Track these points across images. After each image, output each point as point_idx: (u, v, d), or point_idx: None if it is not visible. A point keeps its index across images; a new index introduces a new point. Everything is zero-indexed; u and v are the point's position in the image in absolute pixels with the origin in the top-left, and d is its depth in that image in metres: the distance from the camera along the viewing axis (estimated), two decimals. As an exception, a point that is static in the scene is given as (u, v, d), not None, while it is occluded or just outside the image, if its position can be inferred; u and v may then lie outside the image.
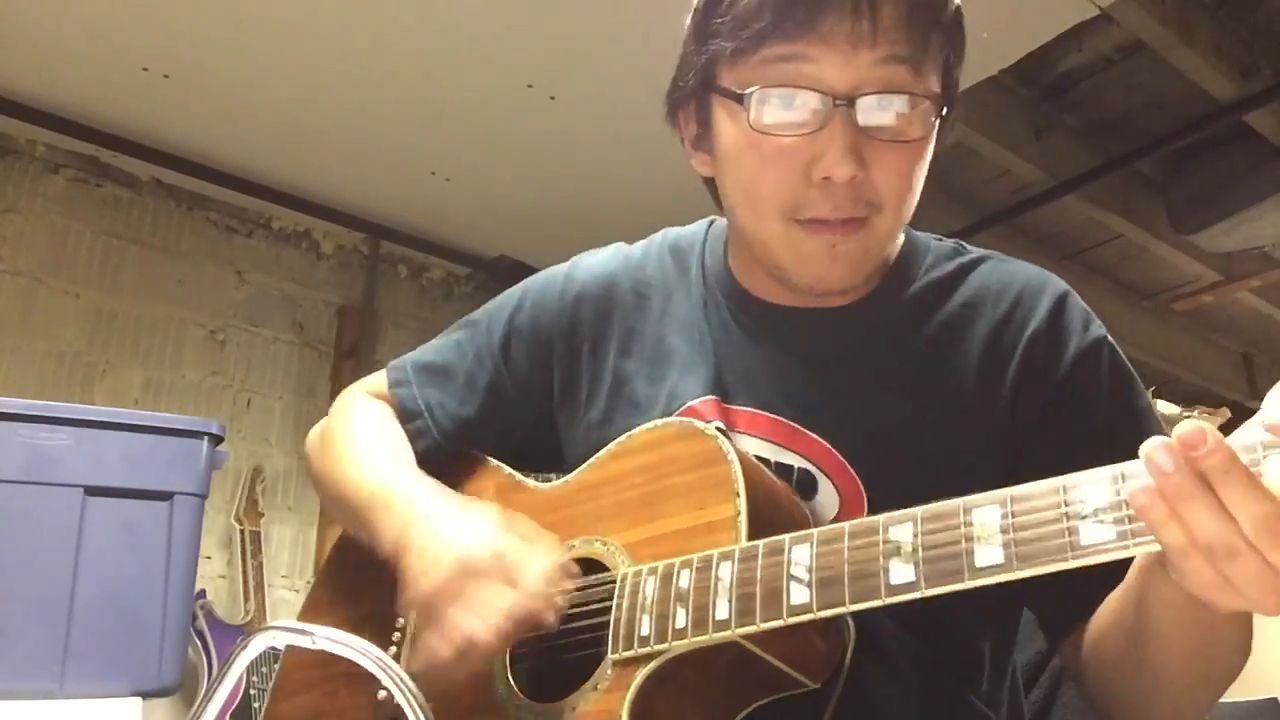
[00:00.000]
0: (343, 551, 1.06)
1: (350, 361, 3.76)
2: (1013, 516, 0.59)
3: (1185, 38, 2.95)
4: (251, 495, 3.33)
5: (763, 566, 0.69)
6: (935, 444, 0.83)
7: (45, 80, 2.99)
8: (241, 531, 3.26)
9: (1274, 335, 5.23)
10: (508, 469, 0.99)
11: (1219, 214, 3.63)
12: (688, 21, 0.87)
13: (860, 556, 0.65)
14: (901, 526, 0.64)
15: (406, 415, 1.03)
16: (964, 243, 0.95)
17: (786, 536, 0.69)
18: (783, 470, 0.85)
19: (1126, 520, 0.55)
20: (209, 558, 3.21)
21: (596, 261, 1.02)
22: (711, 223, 1.02)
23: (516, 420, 1.02)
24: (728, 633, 0.69)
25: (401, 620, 0.93)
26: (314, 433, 1.09)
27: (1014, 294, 0.87)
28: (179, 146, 3.32)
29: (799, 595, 0.66)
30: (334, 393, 3.72)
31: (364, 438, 1.01)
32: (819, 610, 0.65)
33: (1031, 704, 1.00)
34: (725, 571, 0.70)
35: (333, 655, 0.59)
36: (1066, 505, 0.58)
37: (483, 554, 0.78)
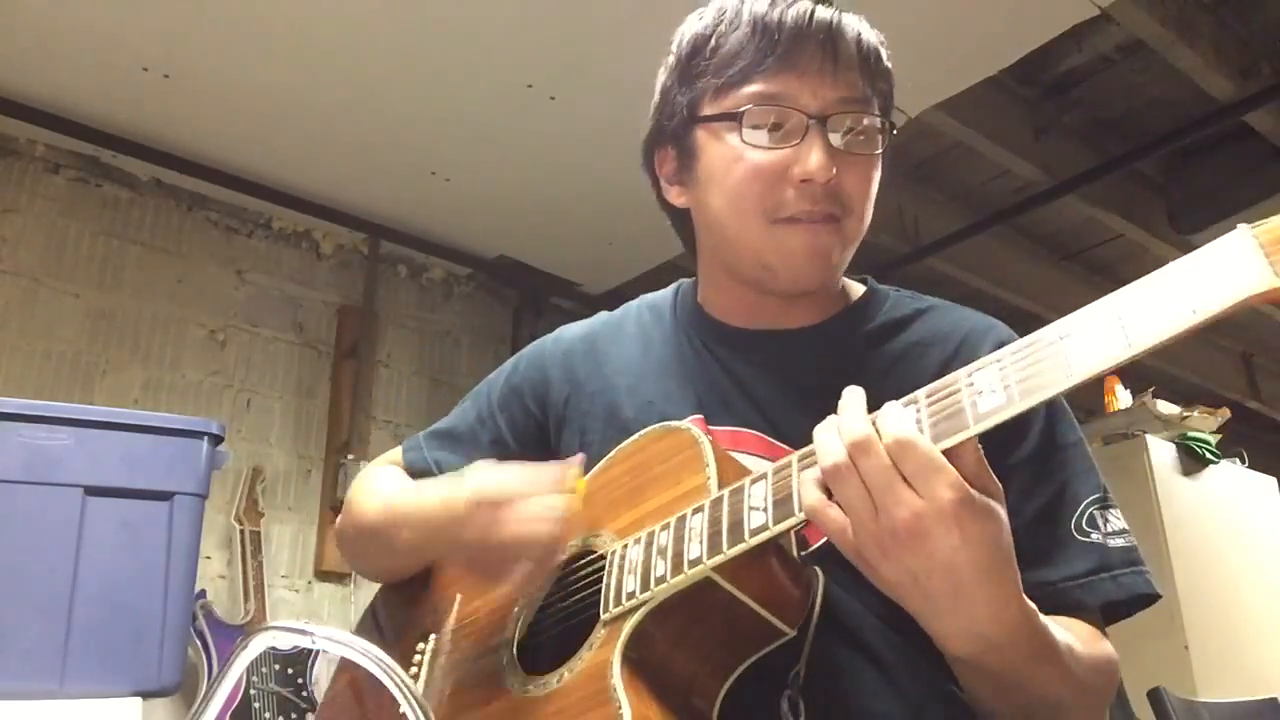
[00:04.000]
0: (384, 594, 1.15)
1: (350, 361, 3.76)
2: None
3: (1185, 38, 2.95)
4: (251, 495, 3.33)
5: (727, 505, 0.77)
6: None
7: (45, 80, 2.99)
8: (241, 531, 3.26)
9: (1274, 335, 5.24)
10: None
11: (1219, 214, 3.64)
12: (663, 75, 1.02)
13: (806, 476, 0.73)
14: None
15: (416, 475, 1.13)
16: (919, 294, 1.07)
17: (746, 479, 0.77)
18: None
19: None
20: (209, 558, 3.21)
21: (580, 325, 1.17)
22: (679, 285, 1.15)
23: None
24: (701, 568, 0.75)
25: (421, 645, 0.98)
26: (339, 520, 1.17)
27: (961, 335, 0.98)
28: (179, 146, 3.32)
29: (757, 520, 0.74)
30: (334, 393, 3.75)
31: (384, 487, 1.12)
32: (774, 525, 0.72)
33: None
34: (697, 521, 0.78)
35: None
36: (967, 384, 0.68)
37: (492, 488, 0.88)
